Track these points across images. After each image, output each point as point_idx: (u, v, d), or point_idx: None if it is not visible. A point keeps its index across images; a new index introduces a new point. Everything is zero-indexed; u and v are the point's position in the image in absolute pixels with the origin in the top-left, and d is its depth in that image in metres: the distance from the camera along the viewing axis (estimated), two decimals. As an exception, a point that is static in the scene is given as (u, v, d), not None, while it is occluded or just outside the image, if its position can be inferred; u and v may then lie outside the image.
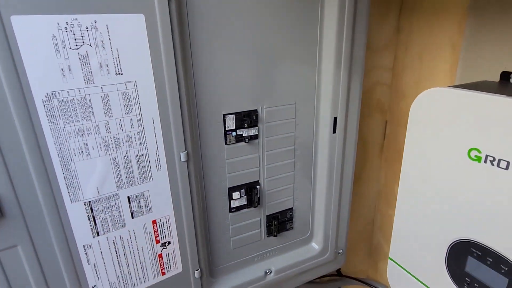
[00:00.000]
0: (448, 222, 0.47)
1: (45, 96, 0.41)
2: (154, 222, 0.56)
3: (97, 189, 0.49)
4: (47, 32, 0.39)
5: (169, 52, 0.47)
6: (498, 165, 0.39)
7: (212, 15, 0.50)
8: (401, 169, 0.52)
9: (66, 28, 0.40)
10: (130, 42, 0.45)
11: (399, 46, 0.76)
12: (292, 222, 0.70)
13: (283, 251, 0.72)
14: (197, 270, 0.61)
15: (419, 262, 0.53)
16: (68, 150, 0.45)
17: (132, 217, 0.53)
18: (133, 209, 0.53)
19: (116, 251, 0.53)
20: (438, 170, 0.46)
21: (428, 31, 0.69)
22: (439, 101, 0.44)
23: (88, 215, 0.49)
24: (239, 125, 0.57)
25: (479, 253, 0.44)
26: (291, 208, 0.69)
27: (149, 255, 0.57)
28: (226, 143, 0.58)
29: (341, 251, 0.76)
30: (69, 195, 0.47)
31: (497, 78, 0.52)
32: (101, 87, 0.45)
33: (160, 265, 0.59)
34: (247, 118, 0.57)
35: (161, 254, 0.58)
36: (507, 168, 0.38)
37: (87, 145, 0.46)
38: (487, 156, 0.40)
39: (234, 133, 0.58)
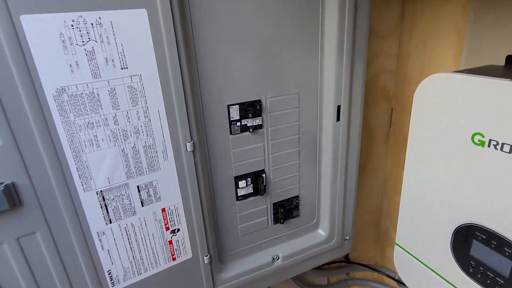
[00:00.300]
0: (453, 207, 0.47)
1: (55, 91, 0.43)
2: (163, 210, 0.58)
3: (108, 179, 0.51)
4: (55, 30, 0.41)
5: (172, 45, 0.49)
6: (501, 149, 0.39)
7: (214, 7, 0.51)
8: (406, 155, 0.52)
9: (72, 26, 0.42)
10: (134, 37, 0.46)
11: (404, 33, 0.76)
12: (298, 209, 0.72)
13: (290, 237, 0.74)
14: (206, 256, 0.64)
15: (425, 247, 0.54)
16: (79, 142, 0.47)
17: (142, 205, 0.56)
18: (142, 198, 0.55)
19: (128, 237, 0.56)
20: (442, 155, 0.47)
21: (432, 16, 0.68)
22: (443, 87, 0.44)
23: (100, 204, 0.52)
24: (244, 115, 0.59)
25: (483, 236, 0.44)
26: (297, 196, 0.71)
27: (159, 242, 0.60)
28: (231, 133, 0.59)
29: (347, 237, 0.77)
30: (82, 185, 0.49)
31: (502, 62, 0.52)
32: (108, 81, 0.46)
33: (171, 251, 0.61)
34: (251, 108, 0.58)
35: (171, 240, 0.61)
36: (510, 152, 0.38)
37: (96, 137, 0.48)
38: (490, 140, 0.40)
39: (238, 123, 0.59)
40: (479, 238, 0.45)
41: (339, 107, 0.63)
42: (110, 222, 0.54)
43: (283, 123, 0.63)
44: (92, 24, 0.43)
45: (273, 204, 0.69)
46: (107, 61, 0.45)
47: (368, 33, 0.61)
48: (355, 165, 0.71)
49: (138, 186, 0.54)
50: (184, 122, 0.54)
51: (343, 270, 1.01)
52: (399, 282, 0.92)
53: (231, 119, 0.59)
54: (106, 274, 0.56)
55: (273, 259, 0.71)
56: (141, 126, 0.51)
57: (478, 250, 0.46)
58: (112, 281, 0.57)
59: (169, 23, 0.48)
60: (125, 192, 0.53)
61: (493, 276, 0.44)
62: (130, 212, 0.55)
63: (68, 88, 0.44)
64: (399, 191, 0.55)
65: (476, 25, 0.60)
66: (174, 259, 0.62)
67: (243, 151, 0.62)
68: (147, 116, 0.51)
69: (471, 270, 0.47)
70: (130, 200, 0.54)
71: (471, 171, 0.43)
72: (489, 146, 0.40)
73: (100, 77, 0.46)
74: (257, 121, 0.60)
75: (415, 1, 0.71)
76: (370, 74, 0.78)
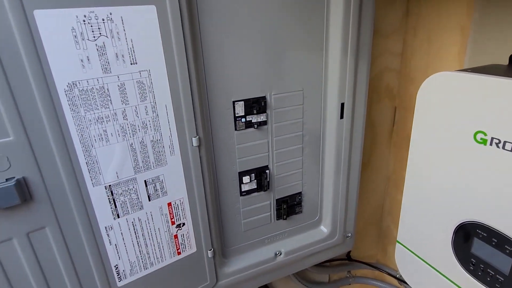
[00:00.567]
0: (454, 205, 0.47)
1: (67, 86, 0.44)
2: (169, 204, 0.59)
3: (116, 173, 0.52)
4: (67, 25, 0.42)
5: (179, 41, 0.49)
6: (503, 147, 0.40)
7: (222, 4, 0.52)
8: (409, 153, 0.53)
9: (84, 21, 0.42)
10: (143, 33, 0.47)
11: (408, 31, 0.76)
12: (301, 206, 0.73)
13: (292, 233, 0.75)
14: (210, 250, 0.64)
15: (426, 245, 0.54)
16: (89, 137, 0.47)
17: (149, 200, 0.56)
18: (149, 192, 0.56)
19: (135, 232, 0.57)
20: (444, 153, 0.47)
21: (436, 14, 0.69)
22: (446, 85, 0.45)
23: (108, 198, 0.52)
24: (248, 111, 0.60)
25: (484, 234, 0.45)
26: (300, 192, 0.71)
27: (165, 236, 0.60)
28: (236, 129, 0.60)
29: (349, 234, 0.78)
30: (91, 179, 0.50)
31: (506, 61, 0.52)
32: (118, 76, 0.47)
33: (176, 246, 0.62)
34: (256, 105, 0.59)
35: (176, 235, 0.62)
36: None
37: (106, 131, 0.49)
38: (492, 138, 0.41)
39: (243, 119, 0.60)
40: (480, 236, 0.45)
41: (342, 104, 0.64)
42: (118, 217, 0.54)
43: (287, 120, 0.64)
44: (103, 19, 0.44)
45: (276, 200, 0.70)
46: (117, 56, 0.46)
47: (372, 31, 0.62)
48: (358, 163, 0.72)
49: (145, 181, 0.55)
50: (191, 117, 0.54)
51: (344, 267, 1.02)
52: (401, 280, 0.93)
53: (236, 115, 0.59)
54: (113, 268, 0.57)
55: (275, 254, 0.72)
56: (149, 121, 0.52)
57: (479, 248, 0.46)
58: (119, 276, 0.58)
59: (177, 19, 0.48)
60: (133, 187, 0.54)
61: (493, 273, 0.45)
62: (137, 207, 0.56)
63: (79, 83, 0.45)
64: (401, 189, 0.56)
65: (481, 23, 0.60)
66: (179, 253, 0.63)
67: (247, 147, 0.63)
68: (155, 111, 0.52)
69: (471, 268, 0.48)
70: (137, 195, 0.55)
71: (473, 169, 0.44)
72: (491, 144, 0.41)
73: (110, 72, 0.46)
74: (261, 118, 0.61)
75: None
76: (374, 72, 0.79)
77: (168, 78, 0.51)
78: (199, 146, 0.57)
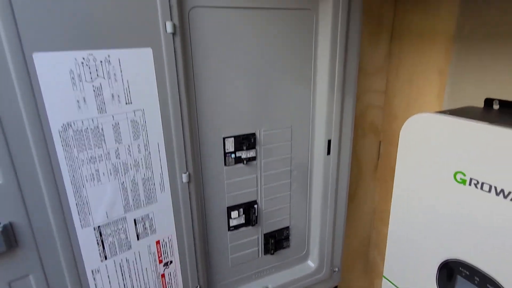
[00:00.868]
0: (438, 242, 0.48)
1: (61, 127, 0.43)
2: (157, 242, 0.57)
3: (106, 213, 0.50)
4: (66, 67, 0.42)
5: (173, 81, 0.51)
6: (481, 188, 0.41)
7: (214, 47, 0.54)
8: (393, 191, 0.54)
9: (82, 63, 0.43)
10: (139, 73, 0.48)
11: (391, 71, 0.82)
12: (288, 240, 0.73)
13: (280, 268, 0.75)
14: (196, 287, 0.63)
15: (412, 281, 0.54)
16: (81, 177, 0.46)
17: (138, 239, 0.55)
18: (139, 231, 0.55)
19: (122, 274, 0.54)
20: (427, 191, 0.48)
21: (417, 57, 0.75)
22: (426, 126, 0.47)
23: (97, 240, 0.50)
24: (238, 147, 0.61)
25: (467, 272, 0.45)
26: (288, 227, 0.72)
27: (152, 276, 0.58)
28: (225, 165, 0.61)
29: (336, 269, 0.79)
30: (80, 221, 0.48)
31: (482, 103, 0.56)
32: (112, 116, 0.47)
33: (163, 285, 0.60)
34: (246, 141, 0.61)
35: (163, 274, 0.60)
36: (489, 191, 0.40)
37: (98, 171, 0.48)
38: (471, 179, 0.42)
39: (233, 155, 0.61)
40: (463, 274, 0.45)
41: (329, 141, 0.67)
42: (106, 259, 0.52)
43: (276, 155, 0.66)
44: (101, 61, 0.44)
45: (264, 234, 0.70)
46: (113, 96, 0.46)
47: (357, 70, 0.66)
48: (344, 198, 0.74)
49: (135, 219, 0.54)
50: (181, 154, 0.55)
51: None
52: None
53: (226, 151, 0.61)
54: (98, 314, 0.53)
55: (263, 289, 0.72)
56: (141, 159, 0.52)
57: (462, 286, 0.46)
58: (103, 321, 0.54)
59: (171, 60, 0.50)
60: (122, 226, 0.52)
61: (476, 312, 0.45)
62: (125, 247, 0.54)
63: (74, 123, 0.44)
64: (386, 222, 0.57)
65: (458, 67, 0.66)
66: (166, 293, 0.61)
67: (236, 182, 0.64)
68: (147, 149, 0.52)
69: (456, 305, 0.47)
70: (126, 234, 0.53)
71: (454, 208, 0.45)
72: (470, 184, 0.42)
73: (106, 112, 0.46)
74: (251, 153, 0.62)
75: (402, 41, 0.78)
76: (359, 108, 0.83)
77: (161, 116, 0.52)
78: (188, 182, 0.57)
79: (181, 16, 0.49)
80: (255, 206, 0.66)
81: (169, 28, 0.48)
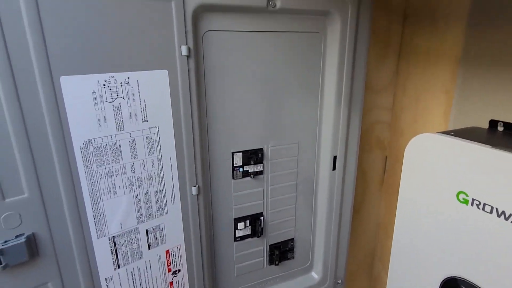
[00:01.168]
0: (440, 259, 0.49)
1: (83, 144, 0.46)
2: (167, 252, 0.60)
3: (121, 224, 0.53)
4: (89, 89, 0.45)
5: (186, 100, 0.54)
6: (483, 209, 0.42)
7: (225, 67, 0.57)
8: (397, 208, 0.55)
9: (104, 85, 0.46)
10: (155, 93, 0.51)
11: (398, 88, 0.84)
12: (293, 251, 0.75)
13: (284, 279, 0.77)
14: (203, 296, 0.65)
15: None
16: (99, 190, 0.49)
17: (149, 249, 0.57)
18: (150, 241, 0.57)
19: (133, 282, 0.57)
20: (430, 210, 0.49)
21: (423, 76, 0.77)
22: (431, 146, 0.48)
23: (111, 249, 0.53)
24: (246, 161, 0.64)
25: None
26: (293, 239, 0.74)
27: (161, 284, 0.61)
28: (233, 178, 0.64)
29: (340, 281, 0.81)
30: (96, 231, 0.51)
31: (486, 123, 0.58)
32: (130, 133, 0.50)
33: (171, 293, 0.63)
34: (254, 156, 0.64)
35: (172, 282, 0.62)
36: (491, 213, 0.41)
37: (114, 185, 0.51)
38: (473, 199, 0.43)
39: (241, 169, 0.64)
40: None
41: (335, 157, 0.70)
42: (119, 267, 0.55)
43: (282, 170, 0.68)
44: (121, 83, 0.47)
45: (269, 245, 0.72)
46: (131, 115, 0.49)
47: (364, 86, 0.69)
48: (349, 212, 0.76)
49: (147, 230, 0.56)
50: (192, 168, 0.58)
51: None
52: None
53: (235, 165, 0.63)
54: (109, 319, 0.56)
55: (266, 299, 0.74)
56: (154, 173, 0.54)
57: None
58: (114, 327, 0.57)
59: (185, 81, 0.53)
60: (135, 236, 0.55)
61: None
62: (137, 256, 0.56)
63: (94, 140, 0.47)
64: (391, 236, 0.59)
65: (464, 89, 0.67)
66: (174, 301, 0.63)
67: (243, 195, 0.66)
68: (160, 164, 0.55)
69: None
70: (138, 244, 0.56)
71: (457, 227, 0.46)
72: (472, 205, 0.43)
73: (124, 130, 0.49)
74: (258, 168, 0.65)
75: (409, 60, 0.80)
76: (366, 124, 0.84)
77: (174, 133, 0.54)
78: (198, 195, 0.60)
79: (196, 40, 0.52)
80: (261, 218, 0.69)
81: (184, 51, 0.51)
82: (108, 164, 0.49)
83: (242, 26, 0.56)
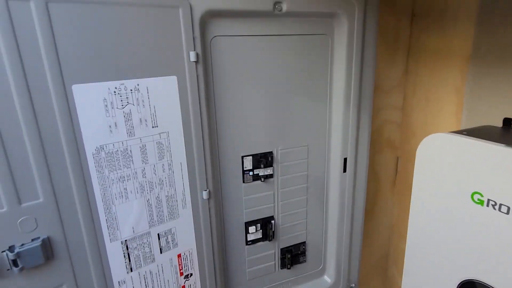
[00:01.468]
0: (456, 262, 0.48)
1: (95, 150, 0.47)
2: (179, 256, 0.61)
3: (133, 228, 0.54)
4: (100, 96, 0.46)
5: (196, 105, 0.54)
6: (499, 210, 0.41)
7: (233, 71, 0.58)
8: (410, 210, 0.54)
9: (115, 92, 0.47)
10: (165, 99, 0.52)
11: (408, 88, 0.83)
12: (305, 255, 0.75)
13: (296, 283, 0.76)
14: (216, 300, 0.66)
15: None
16: (111, 195, 0.50)
17: (161, 252, 0.58)
18: (162, 245, 0.58)
19: (146, 285, 0.58)
20: (444, 210, 0.48)
21: (433, 75, 0.75)
22: (443, 146, 0.47)
23: (124, 253, 0.54)
24: (256, 165, 0.64)
25: None
26: (304, 242, 0.74)
27: (174, 288, 0.62)
28: (243, 182, 0.64)
29: (353, 285, 0.79)
30: (109, 235, 0.52)
31: (499, 122, 0.56)
32: (140, 139, 0.51)
33: (184, 297, 0.63)
34: (263, 159, 0.64)
35: (184, 285, 0.63)
36: (508, 213, 0.40)
37: (126, 189, 0.52)
38: (489, 200, 0.42)
39: (251, 173, 0.64)
40: None
41: (345, 159, 0.69)
42: (131, 271, 0.56)
43: (292, 173, 0.68)
44: (131, 90, 0.48)
45: (281, 249, 0.72)
46: (141, 121, 0.50)
47: (373, 88, 0.68)
48: (361, 213, 0.75)
49: (158, 234, 0.57)
50: (202, 172, 0.58)
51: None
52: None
53: (245, 169, 0.64)
54: (123, 322, 0.57)
55: (279, 303, 0.73)
56: (165, 178, 0.55)
57: None
58: (128, 330, 0.58)
59: (194, 86, 0.54)
60: (147, 240, 0.56)
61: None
62: (149, 260, 0.57)
63: (106, 146, 0.48)
64: (404, 238, 0.57)
65: (475, 87, 0.66)
66: (186, 305, 0.64)
67: (254, 198, 0.66)
68: (171, 169, 0.55)
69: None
70: (150, 248, 0.57)
71: (472, 228, 0.45)
72: (487, 205, 0.42)
73: (134, 135, 0.50)
74: (268, 171, 0.65)
75: (418, 59, 0.79)
76: (376, 124, 0.83)
77: (184, 138, 0.55)
78: (209, 199, 0.60)
79: (204, 46, 0.53)
80: (272, 221, 0.69)
81: (193, 57, 0.52)
82: (120, 169, 0.50)
83: (249, 31, 0.57)
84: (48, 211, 0.45)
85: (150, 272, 0.58)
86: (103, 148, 0.48)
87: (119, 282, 0.55)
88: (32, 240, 0.45)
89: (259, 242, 0.69)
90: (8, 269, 0.44)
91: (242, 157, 0.63)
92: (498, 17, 0.61)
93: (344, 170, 0.69)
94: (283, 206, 0.69)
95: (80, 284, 0.51)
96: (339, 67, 0.65)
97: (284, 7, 0.56)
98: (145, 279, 0.58)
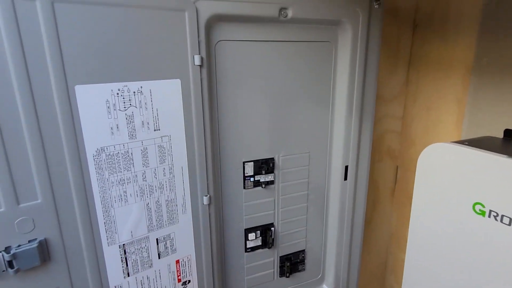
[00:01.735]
0: (457, 273, 0.47)
1: (96, 151, 0.47)
2: (177, 262, 0.60)
3: (131, 232, 0.53)
4: (103, 97, 0.46)
5: (198, 109, 0.54)
6: (501, 221, 0.40)
7: (237, 76, 0.58)
8: (410, 220, 0.54)
9: (117, 94, 0.47)
10: (168, 102, 0.51)
11: (408, 97, 0.83)
12: (304, 263, 0.74)
13: (294, 291, 0.75)
14: (213, 309, 0.64)
15: None
16: (110, 198, 0.50)
17: (159, 258, 0.57)
18: (160, 250, 0.57)
19: (143, 291, 0.57)
20: (445, 222, 0.48)
21: (434, 85, 0.75)
22: (445, 156, 0.46)
23: (121, 257, 0.53)
24: (257, 171, 0.63)
25: None
26: (303, 250, 0.73)
27: (171, 294, 0.60)
28: (244, 188, 0.63)
29: (351, 294, 0.79)
30: (107, 239, 0.51)
31: (500, 133, 0.55)
32: (142, 142, 0.51)
33: (181, 304, 0.62)
34: (265, 165, 0.63)
35: (181, 293, 0.62)
36: (509, 225, 0.40)
37: (126, 192, 0.51)
38: (490, 211, 0.42)
39: (252, 179, 0.63)
40: None
41: (346, 167, 0.69)
42: (128, 276, 0.55)
43: (293, 180, 0.67)
44: (134, 92, 0.48)
45: (280, 257, 0.71)
46: (143, 124, 0.50)
47: (375, 97, 0.68)
48: (361, 222, 0.74)
49: (157, 239, 0.56)
50: (203, 177, 0.58)
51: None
52: None
53: (246, 175, 0.63)
54: (118, 329, 0.56)
55: (277, 313, 0.72)
56: (166, 182, 0.55)
57: None
58: (123, 337, 0.56)
59: (198, 90, 0.53)
60: (145, 245, 0.55)
61: None
62: (147, 265, 0.56)
63: (107, 148, 0.48)
64: (403, 248, 0.57)
65: (476, 98, 0.66)
66: (183, 312, 0.62)
67: (254, 204, 0.65)
68: (171, 173, 0.55)
69: None
70: (148, 253, 0.56)
71: (473, 239, 0.44)
72: (489, 216, 0.42)
73: (136, 138, 0.50)
74: (269, 177, 0.64)
75: (419, 69, 0.79)
76: (377, 133, 0.83)
77: (186, 141, 0.55)
78: (209, 204, 0.59)
79: (208, 50, 0.53)
80: (272, 228, 0.68)
81: (197, 61, 0.52)
82: (120, 172, 0.50)
83: (254, 36, 0.57)
84: (46, 213, 0.45)
85: (148, 278, 0.57)
86: (103, 150, 0.48)
87: (115, 286, 0.54)
88: (29, 241, 0.44)
89: (259, 249, 0.68)
90: (3, 271, 0.43)
91: (244, 162, 0.62)
92: (500, 28, 0.61)
93: (345, 178, 0.69)
94: (283, 213, 0.68)
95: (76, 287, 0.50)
96: (342, 74, 0.65)
97: (290, 13, 0.57)
98: (142, 285, 0.57)
